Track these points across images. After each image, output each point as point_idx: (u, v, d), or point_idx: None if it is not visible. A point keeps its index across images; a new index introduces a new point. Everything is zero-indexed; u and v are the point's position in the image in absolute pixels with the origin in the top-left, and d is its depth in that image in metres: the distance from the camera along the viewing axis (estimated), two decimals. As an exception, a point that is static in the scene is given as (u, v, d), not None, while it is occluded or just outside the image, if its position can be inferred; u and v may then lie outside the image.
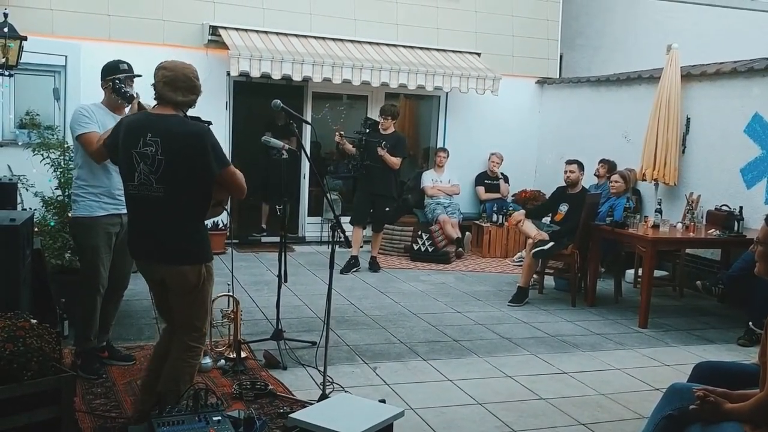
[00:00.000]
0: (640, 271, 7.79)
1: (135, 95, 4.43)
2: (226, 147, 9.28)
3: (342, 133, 8.44)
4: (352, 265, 8.44)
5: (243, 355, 5.01)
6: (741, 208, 7.22)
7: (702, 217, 7.62)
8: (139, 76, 4.65)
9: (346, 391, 4.55)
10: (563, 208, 7.72)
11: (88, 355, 4.63)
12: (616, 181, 7.82)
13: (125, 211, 4.48)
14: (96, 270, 4.53)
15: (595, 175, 8.92)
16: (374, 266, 8.61)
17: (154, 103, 3.68)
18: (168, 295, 3.72)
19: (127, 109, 4.47)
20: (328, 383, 4.44)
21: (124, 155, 3.57)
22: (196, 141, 3.47)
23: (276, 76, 8.92)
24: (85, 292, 4.59)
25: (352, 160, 8.44)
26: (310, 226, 10.29)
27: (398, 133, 8.71)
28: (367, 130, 8.33)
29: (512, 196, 10.69)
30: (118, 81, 4.50)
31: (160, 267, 3.63)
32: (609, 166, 8.84)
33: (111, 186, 4.52)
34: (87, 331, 4.63)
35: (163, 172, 3.46)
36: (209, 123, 3.75)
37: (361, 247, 8.72)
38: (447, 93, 10.54)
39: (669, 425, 3.02)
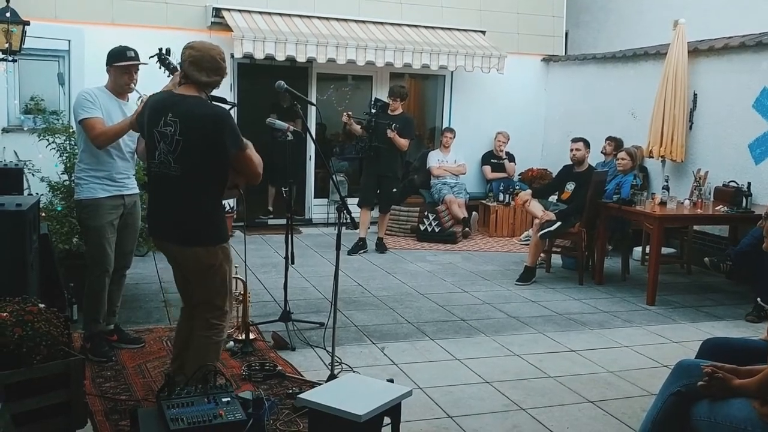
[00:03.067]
0: (647, 249, 7.78)
1: (178, 67, 4.38)
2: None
3: (350, 113, 8.40)
4: (359, 246, 8.43)
5: (252, 336, 5.03)
6: (749, 184, 7.18)
7: (710, 194, 7.58)
8: (145, 64, 4.64)
9: (354, 371, 4.57)
10: (570, 186, 7.69)
11: (97, 339, 4.66)
12: (623, 159, 7.78)
13: (127, 192, 4.63)
14: (102, 250, 4.55)
15: (602, 152, 8.86)
16: (381, 247, 8.60)
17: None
18: (184, 274, 3.77)
19: (168, 82, 4.43)
20: (336, 363, 4.46)
21: (148, 133, 3.65)
22: (214, 123, 3.51)
23: (280, 57, 8.88)
24: (93, 274, 4.61)
25: (360, 142, 8.41)
26: (317, 208, 10.29)
27: (406, 114, 8.68)
28: (375, 111, 8.30)
29: (519, 175, 10.66)
30: (164, 54, 4.46)
31: (175, 247, 3.69)
32: (616, 143, 8.78)
33: (113, 170, 4.56)
34: (95, 313, 4.65)
35: (180, 152, 3.51)
36: (234, 105, 3.76)
37: (368, 228, 8.72)
38: (452, 72, 10.48)
39: (677, 402, 3.01)
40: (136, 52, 4.60)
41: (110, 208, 4.56)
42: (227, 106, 3.70)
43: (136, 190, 4.79)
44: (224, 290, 3.77)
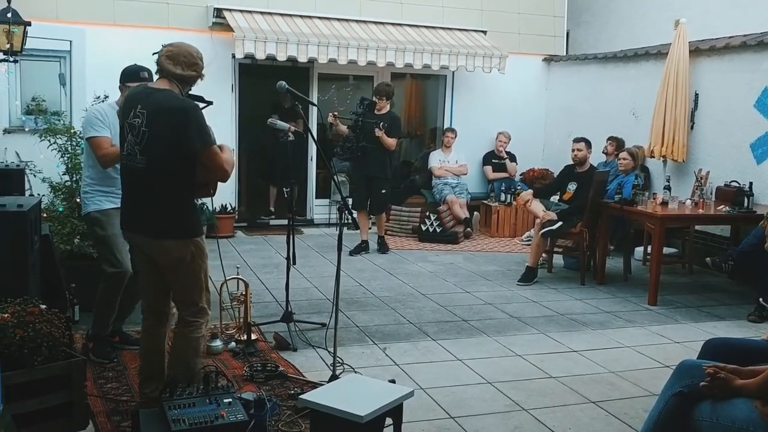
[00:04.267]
0: (649, 249, 7.77)
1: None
2: (232, 130, 9.29)
3: (336, 114, 8.33)
4: (361, 248, 8.40)
5: (253, 337, 5.03)
6: (751, 183, 7.16)
7: (711, 194, 7.57)
8: None
9: (356, 372, 4.57)
10: (571, 186, 7.68)
11: (99, 339, 4.66)
12: (624, 159, 7.78)
13: None
14: (119, 255, 4.53)
15: (603, 152, 8.86)
16: (383, 247, 8.58)
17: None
18: (155, 270, 3.71)
19: None
20: (338, 364, 4.45)
21: (120, 126, 3.68)
22: (179, 116, 3.48)
23: (281, 57, 8.88)
24: (112, 278, 4.56)
25: (347, 142, 8.34)
26: (318, 209, 10.29)
27: (393, 112, 8.58)
28: (361, 110, 8.23)
29: (520, 175, 10.65)
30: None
31: (144, 239, 3.65)
32: (617, 143, 8.78)
33: (118, 185, 4.53)
34: (107, 318, 4.66)
35: (146, 144, 3.50)
36: (210, 103, 3.74)
37: (369, 228, 8.69)
38: (453, 72, 10.48)
39: (679, 402, 3.01)
40: (149, 73, 4.59)
41: (119, 218, 4.56)
42: (203, 105, 3.66)
43: None
44: (199, 286, 3.70)
